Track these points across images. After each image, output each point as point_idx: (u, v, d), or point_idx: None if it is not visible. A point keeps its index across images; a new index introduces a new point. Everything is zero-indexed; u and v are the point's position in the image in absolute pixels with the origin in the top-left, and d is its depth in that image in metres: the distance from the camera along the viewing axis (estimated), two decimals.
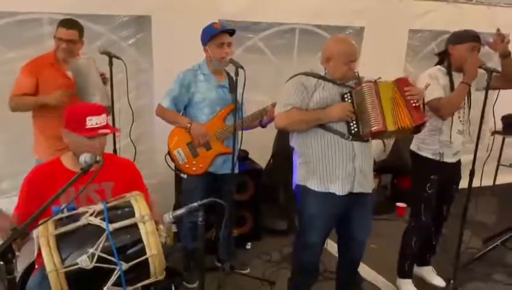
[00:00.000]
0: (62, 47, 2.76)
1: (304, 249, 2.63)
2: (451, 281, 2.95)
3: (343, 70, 2.42)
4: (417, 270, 3.23)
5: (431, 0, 4.48)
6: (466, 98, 2.80)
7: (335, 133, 2.42)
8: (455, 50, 2.76)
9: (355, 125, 2.40)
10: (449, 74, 2.77)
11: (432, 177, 2.81)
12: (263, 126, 3.01)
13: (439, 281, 3.20)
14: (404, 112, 2.35)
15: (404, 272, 3.09)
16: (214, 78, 2.90)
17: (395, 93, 2.37)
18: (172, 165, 2.94)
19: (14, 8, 3.04)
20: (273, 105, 2.80)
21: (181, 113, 2.93)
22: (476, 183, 2.93)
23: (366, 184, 2.52)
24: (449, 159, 2.85)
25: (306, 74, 2.47)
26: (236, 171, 2.94)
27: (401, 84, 2.41)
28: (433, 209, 2.92)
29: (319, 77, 2.44)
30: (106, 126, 2.01)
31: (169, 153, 2.90)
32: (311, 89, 2.42)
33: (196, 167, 2.89)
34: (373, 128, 2.33)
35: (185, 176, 2.93)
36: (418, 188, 2.87)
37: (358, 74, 2.50)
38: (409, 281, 3.09)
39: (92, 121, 1.96)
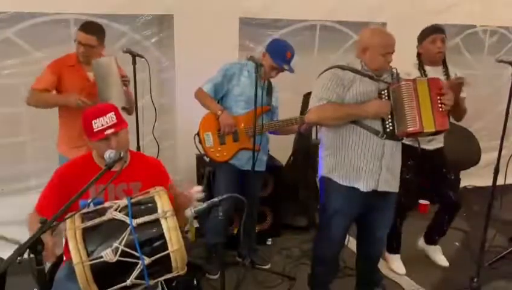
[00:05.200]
0: (80, 51, 2.82)
1: (324, 241, 2.64)
2: (475, 279, 2.91)
3: (380, 61, 2.38)
4: (425, 247, 3.42)
5: None
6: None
7: (369, 131, 2.39)
8: (422, 48, 2.98)
9: (390, 124, 2.38)
10: (419, 70, 2.92)
11: (408, 162, 2.79)
12: (301, 133, 3.09)
13: (442, 261, 3.34)
14: (431, 114, 2.31)
15: (392, 248, 3.27)
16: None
17: (429, 94, 2.33)
18: (199, 147, 3.01)
19: (41, 9, 3.13)
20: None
21: (217, 102, 2.99)
22: (500, 181, 2.88)
23: (393, 183, 2.50)
24: (425, 146, 2.93)
25: (342, 67, 2.42)
26: (262, 169, 3.04)
27: (434, 85, 2.36)
28: (415, 193, 3.12)
29: (356, 72, 2.40)
30: (115, 124, 1.97)
31: (198, 134, 2.98)
32: (348, 84, 2.38)
33: (220, 154, 2.97)
34: (409, 129, 2.30)
35: (207, 160, 3.01)
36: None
37: (396, 70, 2.48)
38: (397, 256, 3.29)
39: (98, 123, 1.95)
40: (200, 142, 2.99)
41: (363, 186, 2.43)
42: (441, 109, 2.33)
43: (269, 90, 3.03)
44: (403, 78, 2.47)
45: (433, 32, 2.94)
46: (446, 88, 2.40)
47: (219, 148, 2.97)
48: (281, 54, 2.89)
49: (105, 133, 1.94)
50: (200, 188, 1.95)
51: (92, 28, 2.82)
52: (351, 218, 2.57)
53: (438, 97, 2.33)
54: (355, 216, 2.58)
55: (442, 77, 2.95)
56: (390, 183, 2.48)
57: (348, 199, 2.47)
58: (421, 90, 2.32)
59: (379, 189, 2.44)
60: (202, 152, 3.03)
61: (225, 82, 2.93)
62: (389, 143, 2.41)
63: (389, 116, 2.37)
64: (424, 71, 2.96)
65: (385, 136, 2.39)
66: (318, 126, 2.65)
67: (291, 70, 2.93)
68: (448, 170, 3.13)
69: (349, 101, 2.38)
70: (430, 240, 3.39)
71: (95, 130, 1.95)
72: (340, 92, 2.37)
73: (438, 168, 3.10)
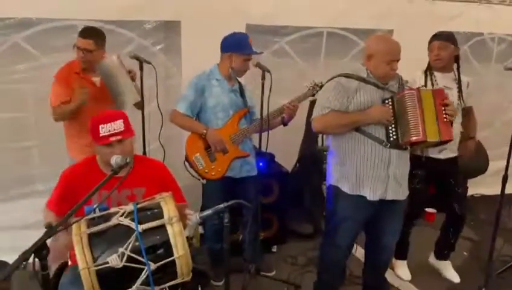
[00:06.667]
0: (79, 56, 2.83)
1: (331, 249, 2.62)
2: (483, 289, 2.88)
3: (385, 69, 2.38)
4: (435, 263, 3.34)
5: (462, 2, 4.39)
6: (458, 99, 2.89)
7: (373, 140, 2.39)
8: (428, 55, 3.00)
9: (394, 133, 2.37)
10: (426, 74, 2.93)
11: (413, 172, 2.76)
12: (285, 124, 3.01)
13: (453, 276, 3.26)
14: (436, 124, 2.31)
15: (399, 254, 3.25)
16: (226, 83, 2.93)
17: (433, 103, 2.33)
18: (191, 171, 2.96)
19: (50, 15, 3.15)
20: (290, 103, 2.88)
21: (194, 119, 2.95)
22: (508, 189, 2.85)
23: (400, 191, 2.49)
24: (435, 155, 2.90)
25: (347, 75, 2.42)
26: (254, 173, 2.99)
27: (438, 95, 2.37)
28: (421, 202, 3.10)
29: (361, 79, 2.40)
30: (122, 132, 1.99)
31: (187, 159, 2.93)
32: (352, 92, 2.38)
33: (215, 172, 2.91)
34: (412, 138, 2.30)
35: (204, 181, 2.95)
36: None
37: (401, 78, 2.47)
38: (404, 262, 3.29)
39: (105, 129, 1.96)
40: (191, 166, 2.92)
41: (370, 194, 2.42)
42: (445, 120, 2.33)
43: (241, 91, 2.97)
44: (410, 86, 2.46)
45: (431, 39, 2.96)
46: (448, 99, 2.40)
47: (212, 167, 2.91)
48: (245, 44, 2.83)
49: (111, 139, 1.96)
50: (197, 217, 1.86)
51: (89, 33, 2.84)
52: (358, 225, 2.56)
53: (443, 107, 2.33)
54: (363, 223, 2.56)
55: (454, 84, 2.94)
56: (397, 191, 2.47)
57: (355, 207, 2.47)
58: (425, 100, 2.32)
59: (387, 198, 2.44)
60: (196, 176, 2.95)
61: (197, 97, 2.87)
62: (395, 152, 2.41)
63: (393, 125, 2.37)
64: (432, 78, 2.94)
65: (389, 145, 2.38)
66: (325, 135, 2.64)
67: (260, 52, 2.89)
68: (457, 182, 3.07)
69: (353, 109, 2.39)
70: (440, 255, 3.32)
71: (101, 135, 1.97)
72: (343, 100, 2.38)
73: (446, 178, 3.05)
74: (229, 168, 2.93)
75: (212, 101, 2.89)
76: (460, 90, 2.93)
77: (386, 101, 2.39)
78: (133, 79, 2.88)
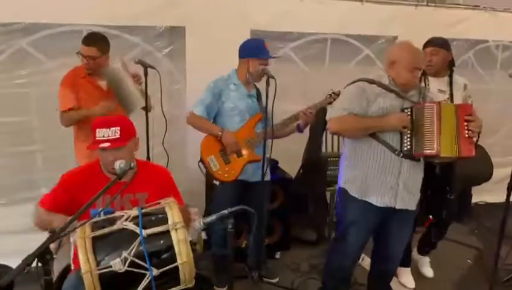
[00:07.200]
0: (84, 63, 2.86)
1: (339, 255, 2.61)
2: None
3: (407, 77, 2.37)
4: (415, 257, 3.42)
5: (466, 9, 4.39)
6: None
7: (387, 147, 2.38)
8: None
9: (409, 143, 2.36)
10: (420, 78, 2.83)
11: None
12: (300, 131, 3.04)
13: (428, 272, 3.38)
14: (455, 140, 2.30)
15: (402, 261, 3.15)
16: (243, 88, 2.96)
17: (455, 119, 2.32)
18: (204, 171, 2.99)
19: (55, 20, 3.18)
20: (304, 111, 2.91)
21: (211, 122, 2.98)
22: None
23: (410, 201, 2.47)
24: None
25: (370, 81, 2.42)
26: (268, 178, 2.99)
27: (462, 110, 2.35)
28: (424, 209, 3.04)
29: (383, 86, 2.40)
30: (116, 139, 1.97)
31: (202, 160, 2.96)
32: (373, 98, 2.38)
33: (228, 174, 2.93)
34: (426, 151, 2.29)
35: (217, 183, 2.97)
36: None
37: (424, 90, 2.47)
38: (407, 269, 3.28)
39: (100, 134, 1.97)
40: (206, 168, 2.96)
41: (377, 201, 2.41)
42: (467, 135, 2.31)
43: (259, 96, 3.01)
44: (433, 96, 2.44)
45: (424, 45, 2.96)
46: (475, 114, 2.37)
47: (226, 169, 2.93)
48: (262, 49, 2.88)
49: (100, 145, 1.96)
50: (201, 223, 1.85)
51: (92, 40, 2.86)
52: (366, 231, 2.54)
53: (466, 123, 2.31)
54: (372, 229, 2.55)
55: (447, 88, 2.96)
56: (408, 201, 2.46)
57: (363, 212, 2.46)
58: (445, 114, 2.31)
59: (397, 207, 2.43)
60: (211, 178, 2.98)
61: (214, 100, 2.90)
62: (408, 162, 2.39)
63: (408, 135, 2.35)
64: (426, 81, 2.95)
65: (402, 154, 2.37)
66: (341, 137, 2.66)
67: (277, 56, 3.00)
68: (451, 189, 3.04)
69: (371, 114, 2.38)
70: (421, 251, 3.41)
71: (96, 139, 1.98)
72: (363, 105, 2.37)
73: (441, 183, 3.01)
74: (242, 171, 2.95)
75: (229, 105, 2.92)
76: (451, 94, 2.94)
77: (406, 110, 2.38)
78: (138, 83, 2.89)
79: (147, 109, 2.95)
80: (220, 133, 2.89)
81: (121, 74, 2.81)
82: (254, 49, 2.89)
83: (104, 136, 1.96)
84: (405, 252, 3.14)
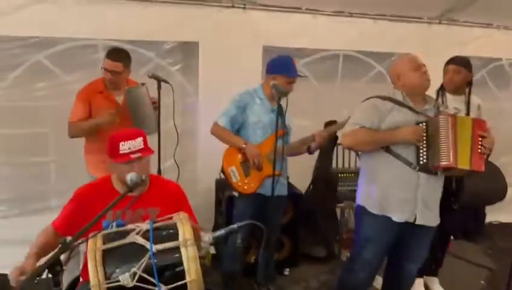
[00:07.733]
0: (107, 78, 2.91)
1: (354, 272, 2.56)
2: None
3: (416, 76, 2.39)
4: (425, 278, 3.31)
5: (480, 27, 4.38)
6: None
7: (402, 161, 2.37)
8: (443, 76, 3.06)
9: (425, 156, 2.35)
10: (438, 93, 2.97)
11: None
12: (310, 153, 3.05)
13: None
14: (469, 153, 2.30)
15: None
16: (268, 102, 2.98)
17: (470, 132, 2.32)
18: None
19: (72, 34, 3.25)
20: (320, 132, 2.93)
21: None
22: None
23: (430, 217, 2.45)
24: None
25: (383, 97, 2.44)
26: (285, 193, 3.02)
27: (478, 126, 2.36)
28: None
29: (396, 102, 2.41)
30: (142, 149, 2.00)
31: (223, 171, 2.98)
32: (385, 114, 2.38)
33: (248, 186, 2.95)
34: (442, 163, 2.28)
35: (236, 194, 2.99)
36: None
37: (439, 105, 2.48)
38: (420, 280, 3.22)
39: (125, 146, 1.97)
40: (226, 178, 2.98)
41: (395, 216, 2.39)
42: (479, 151, 2.31)
43: (281, 112, 2.98)
44: (449, 112, 2.45)
45: (447, 62, 3.05)
46: (489, 132, 2.38)
47: (246, 181, 2.95)
48: (290, 67, 2.89)
49: (132, 156, 1.96)
50: (210, 237, 1.84)
51: (118, 55, 2.91)
52: (383, 248, 2.50)
53: (480, 139, 2.32)
54: (390, 246, 2.51)
55: (463, 106, 2.97)
56: (428, 217, 2.43)
57: (382, 227, 2.43)
58: (461, 127, 2.32)
59: (416, 222, 2.40)
60: (231, 188, 3.00)
61: (239, 113, 2.93)
62: (425, 175, 2.38)
63: (424, 148, 2.34)
64: (444, 98, 2.98)
65: (418, 168, 2.36)
66: (357, 153, 2.65)
67: (304, 74, 3.04)
68: (456, 200, 2.95)
69: (385, 128, 2.38)
70: (429, 271, 3.30)
71: (121, 152, 1.97)
72: (375, 120, 2.38)
73: (445, 191, 2.99)
74: (261, 185, 2.96)
75: (253, 119, 2.95)
76: (468, 113, 2.97)
77: (420, 124, 2.38)
78: (155, 108, 2.93)
79: (159, 122, 2.98)
80: (244, 146, 2.91)
81: (143, 98, 2.88)
82: (282, 67, 2.91)
83: (130, 148, 1.97)
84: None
